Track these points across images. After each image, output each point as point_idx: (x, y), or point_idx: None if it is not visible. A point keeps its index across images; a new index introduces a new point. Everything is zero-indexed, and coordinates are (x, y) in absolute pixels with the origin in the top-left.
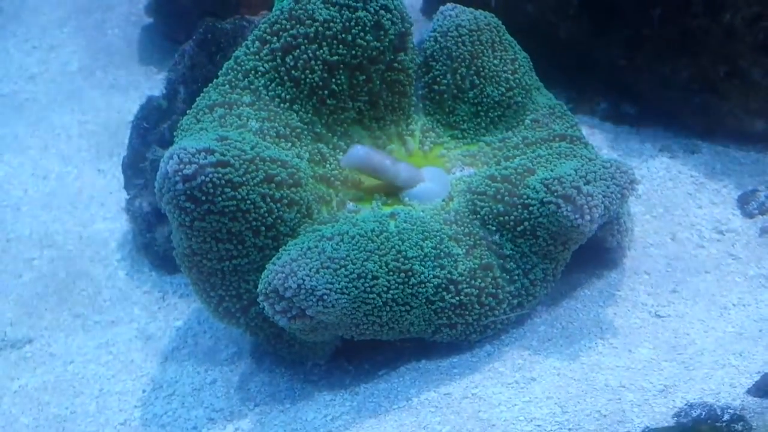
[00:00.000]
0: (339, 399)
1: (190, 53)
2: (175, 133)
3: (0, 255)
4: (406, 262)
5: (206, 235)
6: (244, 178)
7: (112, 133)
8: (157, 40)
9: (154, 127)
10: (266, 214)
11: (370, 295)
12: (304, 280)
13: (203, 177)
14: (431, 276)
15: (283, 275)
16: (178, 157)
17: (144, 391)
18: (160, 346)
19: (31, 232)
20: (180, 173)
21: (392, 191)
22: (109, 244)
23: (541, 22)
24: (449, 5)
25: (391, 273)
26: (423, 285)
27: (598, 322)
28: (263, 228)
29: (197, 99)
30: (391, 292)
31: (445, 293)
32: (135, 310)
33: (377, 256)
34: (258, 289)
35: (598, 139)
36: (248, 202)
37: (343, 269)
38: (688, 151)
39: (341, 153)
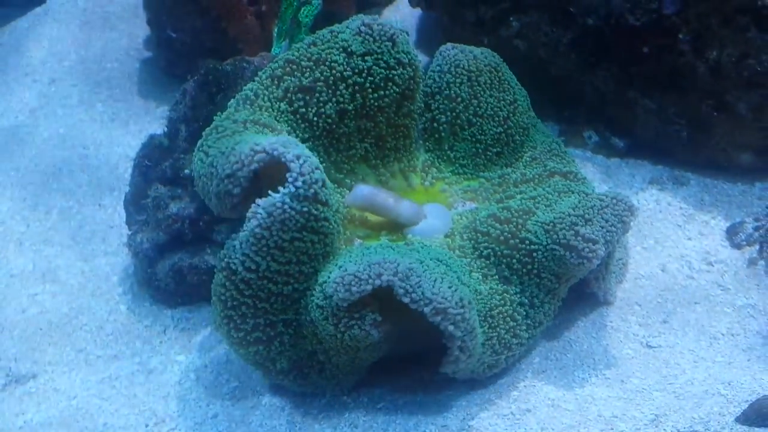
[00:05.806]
0: None
1: (191, 93)
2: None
3: (3, 290)
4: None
5: (296, 253)
6: (329, 199)
7: (113, 167)
8: (156, 73)
9: (155, 165)
10: (333, 239)
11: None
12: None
13: (315, 188)
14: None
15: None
16: (300, 169)
17: (147, 426)
18: (162, 380)
19: (34, 267)
20: (306, 177)
21: (396, 228)
22: (110, 278)
23: (533, 58)
24: (449, 45)
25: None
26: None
27: (591, 354)
28: (330, 251)
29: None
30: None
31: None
32: (137, 344)
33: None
34: (317, 304)
35: (590, 171)
36: (330, 224)
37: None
38: (677, 183)
39: (347, 190)
